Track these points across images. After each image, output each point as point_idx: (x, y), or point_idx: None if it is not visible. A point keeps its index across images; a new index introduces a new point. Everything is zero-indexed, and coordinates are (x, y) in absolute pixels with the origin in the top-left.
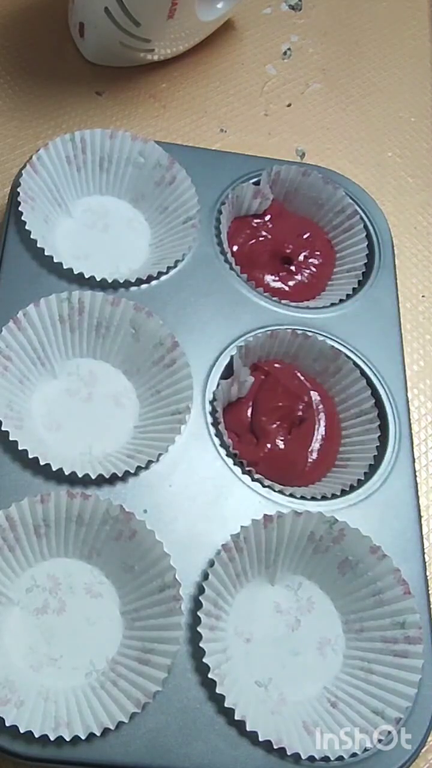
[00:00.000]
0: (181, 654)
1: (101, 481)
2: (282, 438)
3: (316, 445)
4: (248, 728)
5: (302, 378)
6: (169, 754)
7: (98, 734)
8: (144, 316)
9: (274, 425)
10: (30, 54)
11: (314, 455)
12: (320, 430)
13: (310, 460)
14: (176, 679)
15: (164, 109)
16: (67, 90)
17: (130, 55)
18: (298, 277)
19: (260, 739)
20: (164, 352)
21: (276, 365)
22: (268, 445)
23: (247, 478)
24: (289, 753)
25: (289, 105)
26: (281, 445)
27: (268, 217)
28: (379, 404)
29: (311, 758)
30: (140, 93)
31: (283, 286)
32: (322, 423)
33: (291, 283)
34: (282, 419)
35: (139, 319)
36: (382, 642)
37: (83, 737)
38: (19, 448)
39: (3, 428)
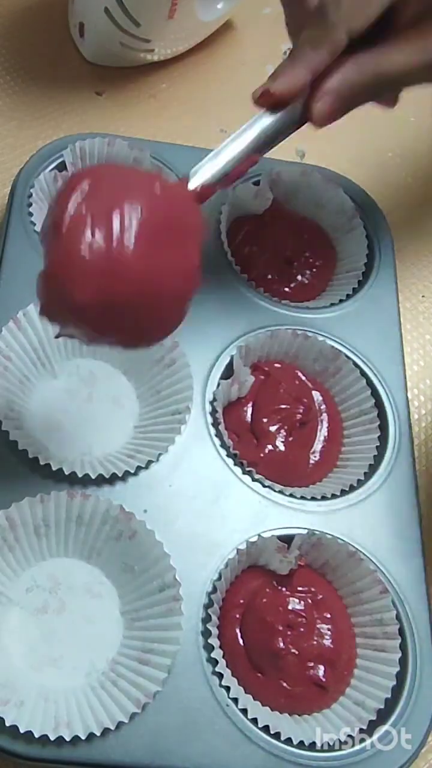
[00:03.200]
0: (181, 654)
1: (101, 481)
2: (283, 440)
3: (318, 446)
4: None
5: (303, 378)
6: (169, 754)
7: (98, 734)
8: None
9: (275, 427)
10: (30, 54)
11: (316, 456)
12: (322, 432)
13: (311, 461)
14: (176, 679)
15: (164, 110)
16: (67, 90)
17: (130, 55)
18: (299, 278)
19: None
20: (164, 352)
21: (276, 365)
22: (269, 447)
23: (247, 479)
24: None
25: None
26: (282, 447)
27: (268, 218)
28: (379, 404)
29: (301, 743)
30: (140, 93)
31: (283, 286)
32: (324, 424)
33: (291, 283)
34: (283, 421)
35: None
36: (363, 638)
37: (83, 737)
38: (19, 448)
39: (3, 428)
